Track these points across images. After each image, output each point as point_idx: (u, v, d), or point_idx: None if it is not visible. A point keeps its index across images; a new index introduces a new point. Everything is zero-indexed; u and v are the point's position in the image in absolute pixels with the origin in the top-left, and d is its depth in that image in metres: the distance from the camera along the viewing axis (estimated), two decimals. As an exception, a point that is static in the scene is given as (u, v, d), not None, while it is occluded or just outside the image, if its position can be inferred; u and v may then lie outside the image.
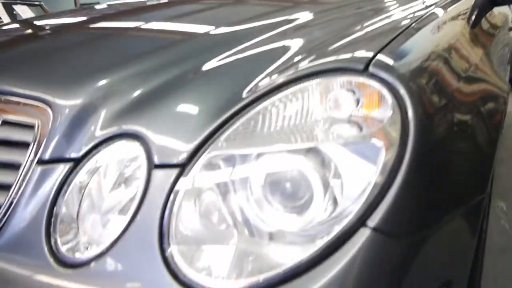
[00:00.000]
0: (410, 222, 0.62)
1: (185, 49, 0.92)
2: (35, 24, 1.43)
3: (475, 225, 0.79)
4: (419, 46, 0.83)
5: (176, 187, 0.61)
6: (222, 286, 0.58)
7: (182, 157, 0.63)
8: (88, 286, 0.61)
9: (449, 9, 1.17)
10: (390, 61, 0.69)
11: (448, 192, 0.70)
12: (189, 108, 0.69)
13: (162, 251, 0.59)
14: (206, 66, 0.79)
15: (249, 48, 0.85)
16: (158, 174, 0.63)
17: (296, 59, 0.74)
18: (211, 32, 1.02)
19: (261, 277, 0.57)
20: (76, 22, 1.26)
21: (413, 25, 0.91)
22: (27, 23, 1.51)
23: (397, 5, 1.17)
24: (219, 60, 0.81)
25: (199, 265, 0.60)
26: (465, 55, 0.99)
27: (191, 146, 0.63)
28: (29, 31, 1.31)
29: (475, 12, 1.29)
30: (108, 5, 1.68)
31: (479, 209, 0.79)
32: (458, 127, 0.77)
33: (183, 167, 0.62)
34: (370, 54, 0.69)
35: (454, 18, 1.15)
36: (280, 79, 0.68)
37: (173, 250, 0.59)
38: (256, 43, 0.88)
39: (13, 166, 0.70)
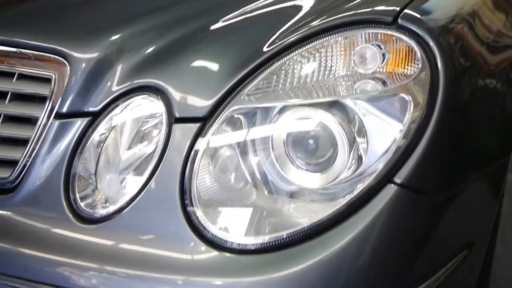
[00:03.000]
0: (436, 180, 0.60)
1: (201, 3, 0.89)
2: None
3: (498, 188, 0.77)
4: (445, 5, 0.80)
5: (197, 143, 0.60)
6: (243, 241, 0.57)
7: (204, 110, 0.61)
8: (107, 241, 0.60)
9: None
10: (419, 15, 0.66)
11: (473, 151, 0.69)
12: (209, 61, 0.67)
13: (184, 207, 0.58)
14: (225, 21, 0.76)
15: (264, 5, 0.82)
16: (179, 128, 0.61)
17: (318, 12, 0.71)
18: None
19: (284, 233, 0.56)
20: None
21: None
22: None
23: None
24: (237, 15, 0.78)
25: (220, 221, 0.59)
26: (489, 17, 0.95)
27: (213, 99, 0.61)
28: None
29: None
30: None
31: (503, 171, 0.78)
32: (484, 87, 0.74)
33: (205, 121, 0.61)
34: (397, 7, 0.66)
35: None
36: (302, 32, 0.65)
37: (195, 206, 0.58)
38: None
39: (30, 121, 0.69)
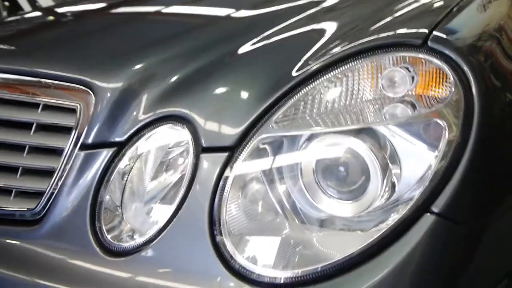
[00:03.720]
0: (475, 208, 0.58)
1: (221, 30, 0.89)
2: (62, 10, 1.42)
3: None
4: (471, 23, 0.78)
5: (226, 172, 0.59)
6: (273, 274, 0.55)
7: (232, 139, 0.60)
8: (136, 275, 0.59)
9: None
10: (449, 36, 0.65)
11: (508, 181, 0.66)
12: (236, 88, 0.66)
13: (213, 238, 0.57)
14: (247, 48, 0.75)
15: (289, 28, 0.81)
16: (206, 158, 0.60)
17: (345, 35, 0.70)
18: (244, 13, 0.99)
19: (319, 266, 0.54)
20: (107, 5, 1.24)
21: (456, 5, 0.86)
22: (53, 10, 1.50)
23: None
24: (259, 41, 0.77)
25: (250, 253, 0.57)
26: None
27: (241, 128, 0.60)
28: (58, 16, 1.30)
29: None
30: None
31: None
32: None
33: (233, 151, 0.59)
34: (426, 30, 0.65)
35: None
36: (330, 57, 0.64)
37: (225, 238, 0.57)
38: (295, 22, 0.84)
39: (56, 152, 0.68)
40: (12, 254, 0.66)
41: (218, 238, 0.57)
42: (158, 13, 1.08)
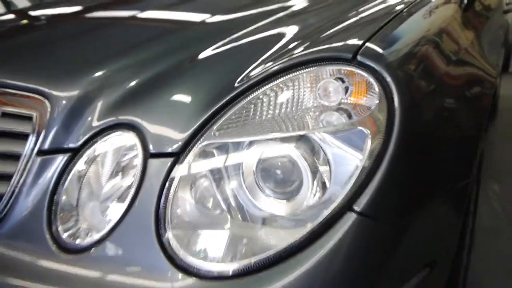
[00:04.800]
0: (394, 206, 0.65)
1: (178, 38, 0.94)
2: (30, 14, 1.43)
3: (459, 208, 0.82)
4: (410, 31, 0.85)
5: (171, 175, 0.64)
6: (217, 269, 0.61)
7: (177, 146, 0.65)
8: (89, 271, 0.63)
9: None
10: (378, 49, 0.71)
11: (432, 177, 0.73)
12: (182, 98, 0.71)
13: (159, 236, 0.62)
14: (199, 56, 0.81)
15: (242, 37, 0.87)
16: (154, 162, 0.65)
17: (287, 48, 0.76)
18: (204, 21, 1.03)
19: (252, 260, 0.60)
20: (71, 12, 1.27)
21: (406, 9, 0.92)
22: (22, 13, 1.52)
23: None
24: (212, 50, 0.83)
25: (195, 249, 0.62)
26: (455, 39, 1.01)
27: (185, 135, 0.65)
28: (24, 21, 1.32)
29: None
30: None
31: (464, 193, 0.82)
32: (444, 113, 0.79)
33: (178, 156, 0.65)
34: (359, 43, 0.71)
35: (446, 1, 1.16)
36: (271, 68, 0.70)
37: (169, 235, 0.62)
38: (248, 32, 0.89)
39: (14, 157, 0.72)
40: None
41: (164, 236, 0.62)
42: (120, 20, 1.11)
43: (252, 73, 0.71)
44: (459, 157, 0.84)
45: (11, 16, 1.51)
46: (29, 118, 0.72)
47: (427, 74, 0.79)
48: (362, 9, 0.97)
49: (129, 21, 1.13)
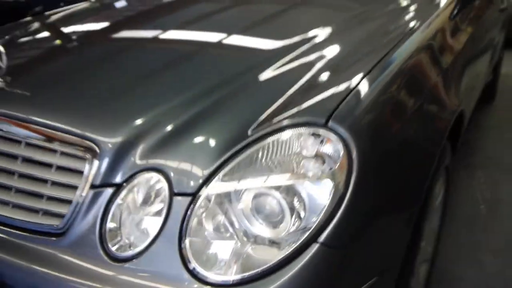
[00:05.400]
0: (352, 236, 0.89)
1: (202, 87, 1.11)
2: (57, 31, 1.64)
3: (407, 230, 1.07)
4: (372, 93, 1.05)
5: (189, 210, 0.89)
6: (221, 279, 0.86)
7: (195, 188, 0.89)
8: (132, 276, 0.89)
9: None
10: (345, 114, 0.94)
11: (385, 208, 0.98)
12: (200, 146, 0.94)
13: (181, 252, 0.87)
14: (212, 108, 1.02)
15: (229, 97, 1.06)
16: (177, 199, 0.90)
17: (273, 113, 0.97)
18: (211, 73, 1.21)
19: (246, 274, 0.85)
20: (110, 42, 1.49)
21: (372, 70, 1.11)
22: (51, 31, 1.72)
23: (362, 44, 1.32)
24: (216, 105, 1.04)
25: (209, 264, 0.87)
26: (417, 88, 1.23)
27: (201, 180, 0.90)
28: (58, 44, 1.54)
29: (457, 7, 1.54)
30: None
31: (412, 217, 1.07)
32: (398, 157, 1.03)
33: (194, 196, 0.89)
34: (331, 108, 0.94)
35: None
36: (260, 133, 0.93)
37: (188, 253, 0.87)
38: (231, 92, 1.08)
39: (72, 187, 0.97)
40: (41, 256, 0.96)
41: (184, 252, 0.87)
42: (156, 64, 1.29)
43: (255, 131, 0.94)
44: (410, 188, 1.08)
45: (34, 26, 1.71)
46: (83, 158, 0.97)
47: (384, 129, 1.02)
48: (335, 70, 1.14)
49: (165, 68, 1.26)
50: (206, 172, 0.90)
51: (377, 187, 0.95)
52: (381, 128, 1.00)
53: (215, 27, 1.54)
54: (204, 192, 0.89)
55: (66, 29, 1.79)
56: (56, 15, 1.97)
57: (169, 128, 0.98)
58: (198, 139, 0.95)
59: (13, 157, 1.03)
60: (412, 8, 1.66)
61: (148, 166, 0.94)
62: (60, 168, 0.99)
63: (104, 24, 1.76)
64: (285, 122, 0.93)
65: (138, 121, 1.00)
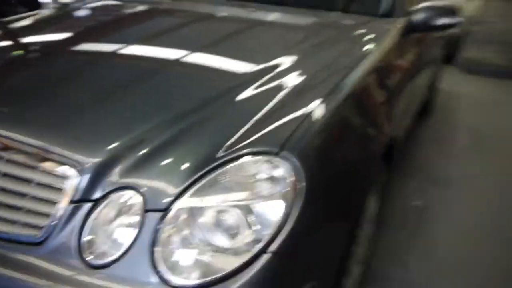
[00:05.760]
0: (296, 246, 1.07)
1: (179, 109, 1.26)
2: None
3: (344, 238, 1.27)
4: (317, 122, 1.23)
5: (160, 224, 1.03)
6: (185, 283, 1.01)
7: (165, 204, 1.04)
8: (106, 282, 1.01)
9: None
10: (296, 143, 1.12)
11: (324, 223, 1.17)
12: (170, 167, 1.08)
13: (152, 261, 1.01)
14: (182, 133, 1.17)
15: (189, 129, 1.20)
16: (148, 215, 1.04)
17: (236, 140, 1.13)
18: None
19: (208, 278, 1.01)
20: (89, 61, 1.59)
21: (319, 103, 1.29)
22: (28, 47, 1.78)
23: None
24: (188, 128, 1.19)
25: (175, 270, 1.02)
26: (359, 117, 1.44)
27: (171, 198, 1.04)
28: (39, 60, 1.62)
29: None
30: None
31: (348, 227, 1.27)
32: (338, 183, 1.23)
33: (165, 211, 1.04)
34: (284, 137, 1.12)
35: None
36: (223, 159, 1.09)
37: (158, 260, 1.01)
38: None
39: (52, 202, 1.08)
40: (20, 264, 1.06)
41: (154, 259, 1.01)
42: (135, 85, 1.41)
43: (217, 156, 1.09)
44: (348, 204, 1.28)
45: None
46: (63, 176, 1.08)
47: (329, 153, 1.22)
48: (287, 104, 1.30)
49: (143, 89, 1.40)
50: (176, 190, 1.05)
51: (320, 205, 1.13)
52: (326, 153, 1.19)
53: (180, 44, 1.69)
54: (173, 208, 1.04)
55: (30, 39, 1.86)
56: (17, 22, 2.03)
57: (143, 150, 1.12)
58: (169, 162, 1.10)
59: None
60: (360, 38, 1.89)
61: (124, 184, 1.07)
62: (40, 184, 1.10)
63: (70, 35, 1.85)
64: (245, 150, 1.10)
65: (116, 143, 1.13)
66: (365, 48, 1.76)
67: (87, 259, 1.04)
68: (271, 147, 1.10)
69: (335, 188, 1.22)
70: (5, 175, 1.12)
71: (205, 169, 1.07)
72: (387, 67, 1.79)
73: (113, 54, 1.65)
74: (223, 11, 2.20)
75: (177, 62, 1.57)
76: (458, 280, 2.12)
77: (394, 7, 2.17)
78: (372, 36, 1.89)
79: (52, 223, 1.07)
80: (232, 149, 1.11)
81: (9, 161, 1.13)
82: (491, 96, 5.15)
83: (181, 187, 1.05)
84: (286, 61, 1.55)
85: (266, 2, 2.31)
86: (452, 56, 6.19)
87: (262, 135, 1.15)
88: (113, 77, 1.46)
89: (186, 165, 1.09)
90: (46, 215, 1.08)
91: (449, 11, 2.14)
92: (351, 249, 1.37)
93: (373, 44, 1.81)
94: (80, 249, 1.05)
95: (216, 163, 1.08)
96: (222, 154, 1.10)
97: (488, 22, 5.93)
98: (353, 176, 1.34)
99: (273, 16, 2.19)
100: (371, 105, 1.55)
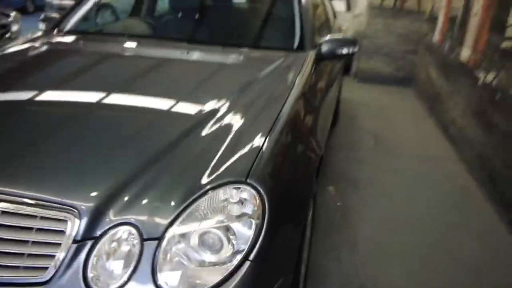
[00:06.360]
0: (268, 253, 1.33)
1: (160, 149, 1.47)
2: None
3: (298, 240, 1.57)
4: (273, 151, 1.53)
5: (157, 250, 1.23)
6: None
7: (159, 233, 1.24)
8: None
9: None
10: (255, 171, 1.39)
11: (286, 230, 1.45)
12: (158, 203, 1.29)
13: (155, 282, 1.21)
14: (163, 172, 1.38)
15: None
16: (146, 244, 1.24)
17: (207, 175, 1.37)
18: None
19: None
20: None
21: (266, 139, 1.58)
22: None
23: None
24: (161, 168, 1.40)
25: (175, 283, 1.22)
26: (300, 139, 1.77)
27: (162, 228, 1.25)
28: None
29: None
30: None
31: (299, 237, 1.58)
32: (291, 197, 1.52)
33: (159, 239, 1.24)
34: (247, 168, 1.38)
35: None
36: (199, 191, 1.32)
37: (161, 281, 1.21)
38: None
39: (55, 244, 1.23)
40: None
41: (157, 280, 1.21)
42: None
43: (196, 188, 1.32)
44: (299, 212, 1.58)
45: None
46: (64, 220, 1.24)
47: (279, 174, 1.50)
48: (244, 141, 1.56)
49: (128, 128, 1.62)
50: (167, 221, 1.26)
51: (280, 216, 1.41)
52: (277, 176, 1.48)
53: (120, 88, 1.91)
54: (166, 236, 1.25)
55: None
56: None
57: (133, 190, 1.30)
58: (157, 197, 1.29)
59: None
60: (285, 69, 2.24)
61: (121, 220, 1.25)
62: (41, 230, 1.24)
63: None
64: (217, 182, 1.34)
65: (109, 186, 1.30)
66: (291, 78, 2.10)
67: (92, 290, 1.21)
68: (238, 177, 1.36)
69: (287, 201, 1.51)
70: (2, 225, 1.24)
71: (188, 201, 1.29)
72: (309, 91, 2.14)
73: (73, 103, 1.80)
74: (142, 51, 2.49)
75: (131, 107, 1.77)
76: (382, 266, 2.53)
77: (305, 42, 2.56)
78: (294, 67, 2.24)
79: (57, 263, 1.21)
80: (206, 181, 1.34)
81: (5, 213, 1.25)
82: (383, 101, 5.90)
83: (171, 218, 1.26)
84: (227, 98, 1.82)
85: (189, 42, 2.60)
86: (348, 68, 6.94)
87: (227, 168, 1.40)
88: (89, 125, 1.63)
89: (172, 199, 1.30)
90: (51, 256, 1.22)
91: (350, 42, 2.58)
92: (302, 249, 1.67)
93: (297, 74, 2.15)
94: (86, 283, 1.21)
95: (195, 195, 1.30)
96: (198, 186, 1.33)
97: (373, 36, 6.74)
98: (299, 190, 1.64)
99: (200, 55, 2.47)
100: (304, 128, 1.88)
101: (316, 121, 2.16)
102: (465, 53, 4.44)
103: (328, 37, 2.62)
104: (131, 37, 2.73)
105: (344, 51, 2.56)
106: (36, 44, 2.53)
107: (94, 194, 1.28)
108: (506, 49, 3.48)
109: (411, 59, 6.67)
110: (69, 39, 2.69)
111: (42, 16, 3.02)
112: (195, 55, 2.45)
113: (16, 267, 1.23)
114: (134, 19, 3.46)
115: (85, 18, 2.98)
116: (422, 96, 5.95)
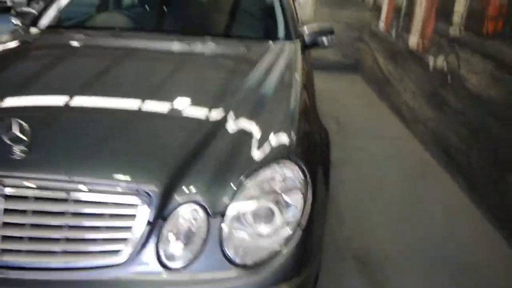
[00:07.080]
0: (311, 221, 1.51)
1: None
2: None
3: (325, 211, 1.77)
4: (298, 130, 1.71)
5: (222, 224, 1.37)
6: (247, 262, 1.38)
7: (223, 210, 1.38)
8: (181, 280, 1.33)
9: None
10: (295, 150, 1.56)
11: (319, 200, 1.64)
12: (218, 183, 1.42)
13: (223, 252, 1.35)
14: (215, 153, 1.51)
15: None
16: (212, 220, 1.37)
17: (254, 156, 1.53)
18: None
19: (260, 258, 1.40)
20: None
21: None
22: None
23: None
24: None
25: (239, 256, 1.37)
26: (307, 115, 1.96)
27: (224, 205, 1.39)
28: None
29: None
30: None
31: (326, 203, 1.78)
32: (321, 169, 1.71)
33: (223, 215, 1.38)
34: (286, 148, 1.55)
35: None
36: (252, 168, 1.47)
37: (229, 251, 1.36)
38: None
39: (127, 228, 1.33)
40: (109, 282, 1.31)
41: (225, 250, 1.36)
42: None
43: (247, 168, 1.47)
44: (324, 182, 1.78)
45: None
46: (136, 205, 1.34)
47: (307, 154, 1.68)
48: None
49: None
50: (228, 199, 1.40)
51: (316, 187, 1.59)
52: (307, 153, 1.66)
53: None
54: (229, 212, 1.39)
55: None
56: None
57: (193, 171, 1.42)
58: (216, 178, 1.42)
59: (61, 213, 1.32)
60: (285, 55, 2.44)
61: (185, 201, 1.37)
62: (113, 215, 1.33)
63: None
64: (264, 161, 1.50)
65: (172, 169, 1.41)
66: (291, 67, 2.28)
67: (168, 265, 1.33)
68: (282, 156, 1.52)
69: (317, 173, 1.70)
70: (77, 213, 1.32)
71: (242, 179, 1.43)
72: (306, 78, 2.34)
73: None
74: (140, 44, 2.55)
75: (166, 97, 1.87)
76: (357, 251, 2.81)
77: (291, 32, 2.75)
78: (289, 56, 2.42)
79: (132, 245, 1.32)
80: (255, 161, 1.49)
81: (78, 201, 1.32)
82: (335, 88, 6.25)
83: (230, 196, 1.40)
84: (248, 87, 1.97)
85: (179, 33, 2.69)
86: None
87: (270, 149, 1.56)
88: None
89: (227, 179, 1.43)
90: (124, 240, 1.32)
91: (329, 30, 2.81)
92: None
93: (294, 62, 2.34)
94: (160, 259, 1.33)
95: (248, 174, 1.45)
96: (249, 166, 1.48)
97: (322, 25, 7.05)
98: (320, 165, 1.84)
99: (201, 47, 2.57)
100: (312, 112, 2.08)
101: (315, 105, 2.36)
102: (413, 40, 4.86)
103: (310, 25, 2.83)
104: (123, 30, 2.78)
105: (324, 39, 2.79)
106: (30, 40, 2.51)
107: (162, 178, 1.39)
108: (454, 35, 3.89)
109: (357, 47, 7.09)
110: (61, 34, 2.68)
111: (14, 12, 2.96)
112: (198, 47, 2.56)
113: (92, 252, 1.32)
114: (115, 12, 3.46)
115: (64, 11, 2.95)
116: (370, 81, 6.38)
